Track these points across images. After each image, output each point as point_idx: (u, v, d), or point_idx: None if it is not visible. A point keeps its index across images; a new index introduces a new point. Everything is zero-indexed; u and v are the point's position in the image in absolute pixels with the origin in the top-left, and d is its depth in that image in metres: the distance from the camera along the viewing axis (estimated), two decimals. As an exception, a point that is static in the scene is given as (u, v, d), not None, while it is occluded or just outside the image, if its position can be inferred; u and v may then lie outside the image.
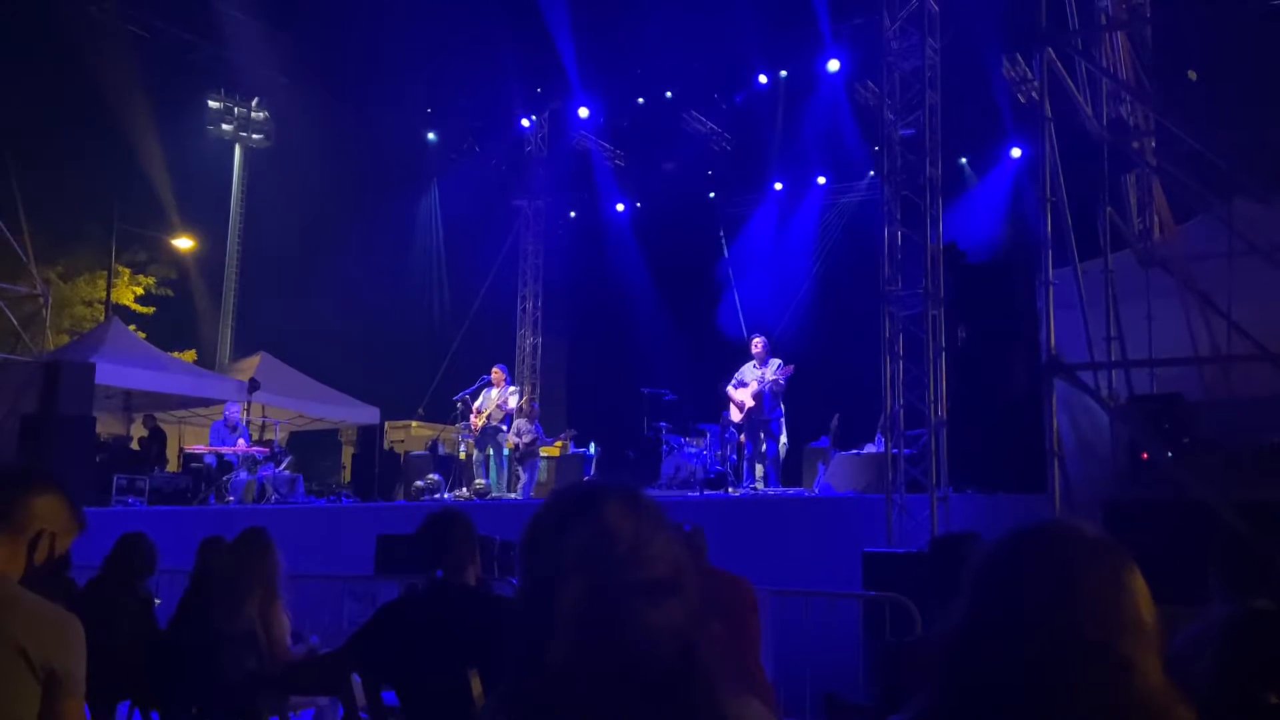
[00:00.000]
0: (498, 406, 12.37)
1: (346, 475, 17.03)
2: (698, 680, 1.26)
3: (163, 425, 16.16)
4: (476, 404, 12.59)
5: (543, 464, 12.87)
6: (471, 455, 13.10)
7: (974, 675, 1.33)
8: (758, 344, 11.48)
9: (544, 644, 1.26)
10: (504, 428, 12.40)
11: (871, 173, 16.52)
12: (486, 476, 12.33)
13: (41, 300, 14.25)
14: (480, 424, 12.40)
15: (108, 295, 21.88)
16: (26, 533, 2.30)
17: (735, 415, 11.40)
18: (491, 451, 12.59)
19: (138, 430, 16.86)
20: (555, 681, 1.25)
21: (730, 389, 11.46)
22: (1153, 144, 8.81)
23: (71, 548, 2.45)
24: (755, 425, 11.28)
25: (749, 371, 11.39)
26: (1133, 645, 1.29)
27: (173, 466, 15.22)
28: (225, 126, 22.42)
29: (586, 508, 1.33)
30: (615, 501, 1.34)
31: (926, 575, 4.30)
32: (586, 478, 12.81)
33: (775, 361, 11.33)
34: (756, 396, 11.18)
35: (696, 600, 1.31)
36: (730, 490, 10.80)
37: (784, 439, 11.65)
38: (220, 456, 13.38)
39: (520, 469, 12.39)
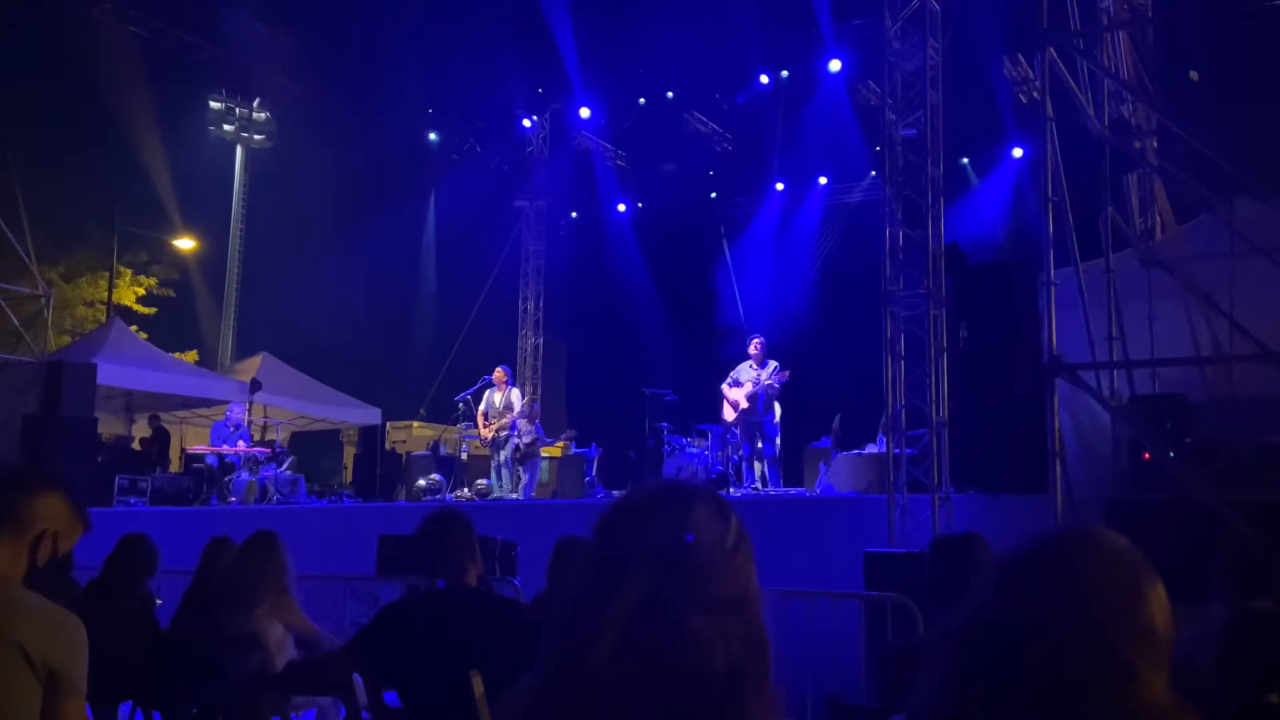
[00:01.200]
0: (503, 416, 12.25)
1: (348, 476, 17.08)
2: (735, 710, 1.16)
3: (164, 425, 16.18)
4: (481, 408, 12.49)
5: (544, 464, 12.85)
6: (486, 457, 13.03)
7: (975, 675, 1.33)
8: (756, 344, 11.45)
9: (582, 647, 1.16)
10: (513, 433, 12.31)
11: (873, 173, 16.52)
12: (499, 479, 12.29)
13: (43, 301, 14.25)
14: (490, 436, 12.32)
15: (109, 296, 21.90)
16: (29, 533, 2.30)
17: (729, 414, 11.38)
18: (501, 456, 12.53)
19: (139, 431, 16.88)
20: (585, 689, 1.16)
21: (725, 386, 11.43)
22: (1154, 144, 8.81)
23: (73, 548, 2.45)
24: (749, 426, 11.25)
25: (745, 371, 11.36)
26: (1139, 655, 1.27)
27: (174, 467, 15.23)
28: (227, 127, 22.45)
29: (673, 506, 1.23)
30: (706, 505, 1.23)
31: (928, 576, 4.29)
32: (587, 479, 12.86)
33: (773, 364, 11.28)
34: (751, 398, 11.15)
35: (759, 624, 1.21)
36: (731, 491, 10.78)
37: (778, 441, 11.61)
38: (222, 457, 13.37)
39: (521, 470, 12.36)
